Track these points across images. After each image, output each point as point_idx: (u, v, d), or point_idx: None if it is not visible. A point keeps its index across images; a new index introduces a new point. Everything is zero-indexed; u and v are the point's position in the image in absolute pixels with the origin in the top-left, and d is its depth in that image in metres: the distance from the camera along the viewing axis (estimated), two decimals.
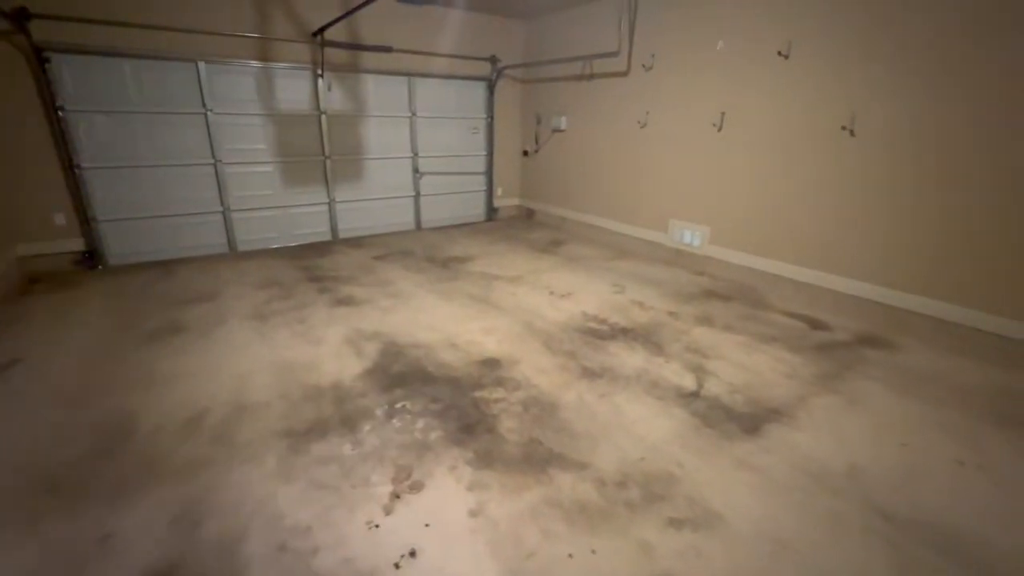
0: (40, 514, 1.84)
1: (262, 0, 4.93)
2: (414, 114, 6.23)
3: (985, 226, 3.13)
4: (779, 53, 3.98)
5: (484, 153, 7.04)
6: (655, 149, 5.25)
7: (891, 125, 3.46)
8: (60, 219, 4.55)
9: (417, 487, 1.97)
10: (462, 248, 5.70)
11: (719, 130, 4.57)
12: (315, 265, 4.95)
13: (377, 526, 1.79)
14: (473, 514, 1.85)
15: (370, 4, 4.25)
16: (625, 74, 5.35)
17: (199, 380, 2.77)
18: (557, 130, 6.51)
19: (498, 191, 7.34)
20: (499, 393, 2.66)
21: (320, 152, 5.68)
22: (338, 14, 4.77)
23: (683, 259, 5.14)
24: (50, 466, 2.09)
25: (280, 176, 5.52)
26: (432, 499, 1.92)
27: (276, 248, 5.60)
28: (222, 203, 5.23)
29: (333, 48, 5.34)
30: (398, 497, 1.92)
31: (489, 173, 7.15)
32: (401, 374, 2.84)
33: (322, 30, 4.94)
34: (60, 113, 4.29)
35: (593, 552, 1.69)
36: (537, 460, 2.14)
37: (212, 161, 5.07)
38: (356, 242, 5.94)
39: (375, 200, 6.27)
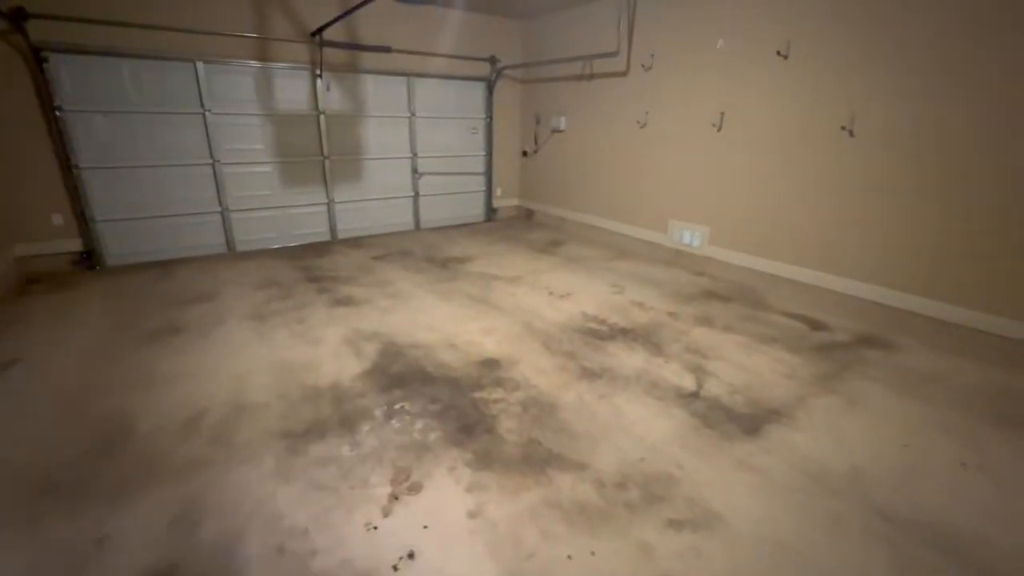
0: (39, 515, 1.83)
1: (260, 0, 4.92)
2: (413, 114, 6.22)
3: (985, 226, 3.13)
4: (778, 53, 3.98)
5: (483, 153, 7.03)
6: (654, 149, 5.24)
7: (891, 125, 3.46)
8: (58, 219, 4.54)
9: (416, 488, 1.97)
10: (461, 248, 5.70)
11: (719, 130, 4.57)
12: (314, 265, 4.95)
13: (375, 528, 1.78)
14: (472, 515, 1.84)
15: (369, 4, 4.24)
16: (624, 74, 5.35)
17: (198, 380, 2.76)
18: (556, 130, 6.50)
19: (497, 191, 7.33)
20: (498, 394, 2.65)
21: (319, 152, 5.68)
22: (337, 14, 4.76)
23: (683, 259, 5.14)
24: (49, 466, 2.08)
25: (279, 176, 5.51)
26: (431, 500, 1.91)
27: (275, 248, 5.60)
28: (220, 203, 5.22)
29: (332, 48, 5.33)
30: (397, 498, 1.91)
31: (488, 173, 7.14)
32: (400, 374, 2.84)
33: (321, 30, 4.94)
34: (58, 113, 4.28)
35: (593, 553, 1.68)
36: (536, 461, 2.13)
37: (210, 161, 5.06)
38: (355, 242, 5.93)
39: (374, 200, 6.26)
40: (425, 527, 1.78)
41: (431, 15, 5.96)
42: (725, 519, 1.84)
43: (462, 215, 7.12)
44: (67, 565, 1.63)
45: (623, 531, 1.78)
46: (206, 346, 3.18)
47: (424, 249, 5.64)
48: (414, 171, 6.46)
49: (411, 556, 1.67)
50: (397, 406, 2.53)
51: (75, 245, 4.66)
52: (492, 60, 6.59)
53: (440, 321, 3.58)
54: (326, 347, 3.17)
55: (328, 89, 5.53)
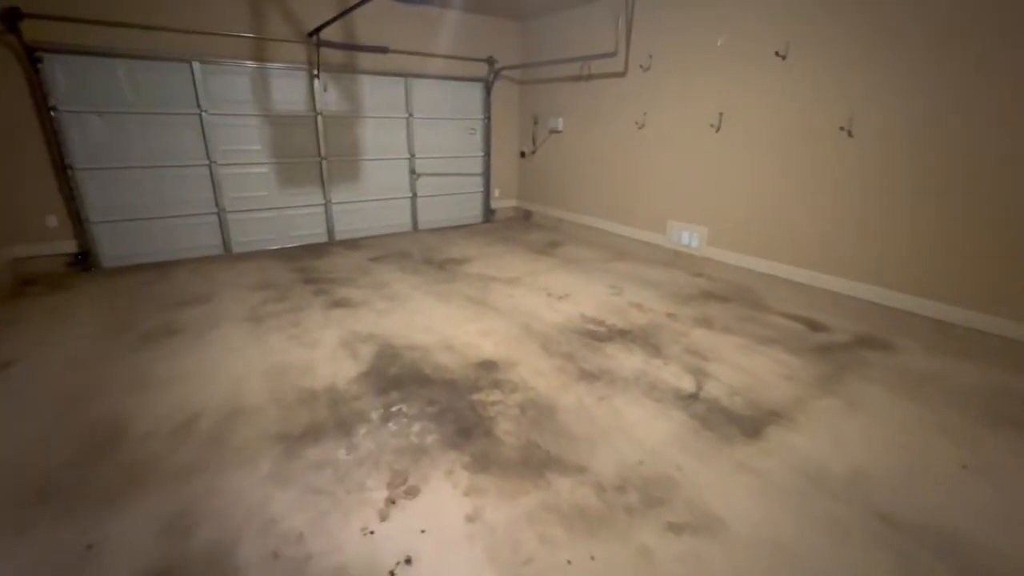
0: (29, 519, 1.80)
1: (257, 0, 4.90)
2: (411, 115, 6.20)
3: (983, 227, 3.13)
4: (777, 54, 3.97)
5: (481, 154, 7.02)
6: (653, 150, 5.23)
7: (890, 126, 3.45)
8: (52, 221, 4.51)
9: (413, 492, 1.94)
10: (459, 250, 5.68)
11: (717, 131, 4.56)
12: (311, 267, 4.92)
13: (372, 532, 1.76)
14: (470, 519, 1.82)
15: (366, 4, 4.23)
16: (623, 75, 5.34)
17: (193, 383, 2.74)
18: (554, 131, 6.49)
19: (495, 192, 7.31)
20: (496, 396, 2.63)
21: (316, 153, 5.65)
22: (334, 14, 4.74)
23: (681, 260, 5.13)
24: (41, 470, 2.05)
25: (276, 177, 5.48)
26: (428, 504, 1.89)
27: (272, 250, 5.57)
28: (217, 204, 5.19)
29: (329, 48, 5.31)
30: (393, 502, 1.89)
31: (486, 174, 7.13)
32: (397, 377, 2.81)
33: (318, 30, 4.92)
34: (53, 114, 4.25)
35: (592, 558, 1.66)
36: (535, 464, 2.11)
37: (207, 162, 5.03)
38: (352, 244, 5.91)
39: (372, 201, 6.24)
40: (422, 532, 1.76)
41: (428, 15, 5.94)
42: (725, 522, 1.82)
43: (460, 216, 7.10)
44: (56, 571, 1.60)
45: (623, 535, 1.76)
46: (202, 348, 3.15)
47: (422, 250, 5.62)
48: (412, 172, 6.44)
49: (408, 561, 1.64)
50: (394, 409, 2.50)
51: (70, 247, 4.63)
52: (490, 61, 6.57)
53: (438, 323, 3.56)
54: (322, 349, 3.14)
55: (325, 90, 5.51)
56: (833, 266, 3.92)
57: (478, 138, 6.92)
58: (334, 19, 4.68)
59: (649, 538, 1.75)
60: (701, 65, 4.57)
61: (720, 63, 4.41)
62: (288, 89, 5.31)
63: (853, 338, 3.44)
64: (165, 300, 3.96)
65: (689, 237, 5.00)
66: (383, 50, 5.62)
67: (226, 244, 5.35)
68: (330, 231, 5.99)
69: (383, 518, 1.82)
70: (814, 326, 3.63)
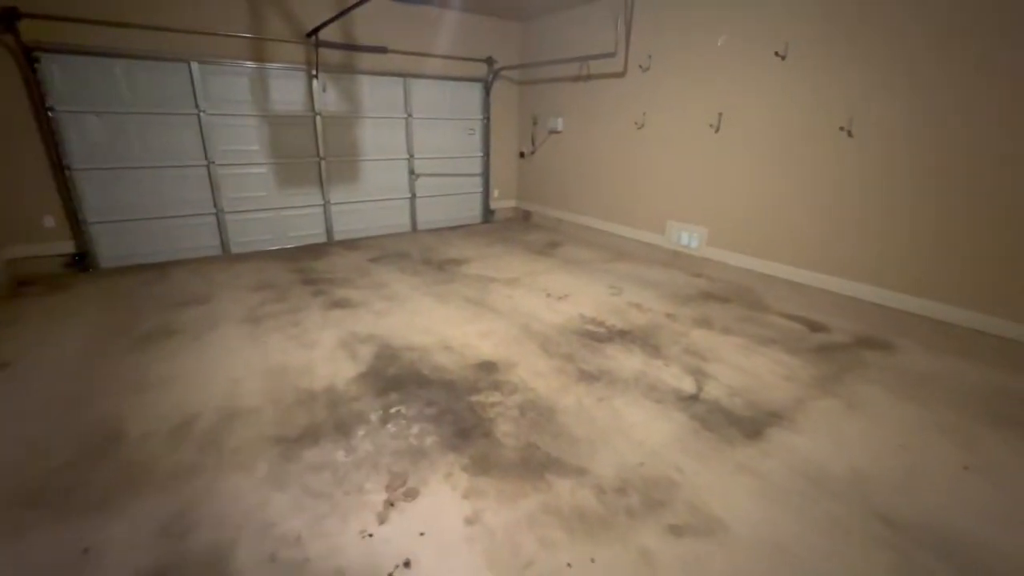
0: (23, 522, 1.78)
1: (255, 0, 4.89)
2: (410, 115, 6.19)
3: (983, 227, 3.12)
4: (776, 54, 3.97)
5: (480, 155, 7.01)
6: (652, 150, 5.23)
7: (889, 126, 3.45)
8: (49, 221, 4.49)
9: (412, 494, 1.93)
10: (458, 250, 5.67)
11: (716, 131, 4.55)
12: (310, 267, 4.90)
13: (371, 535, 1.74)
14: (469, 522, 1.81)
15: (365, 4, 4.21)
16: (622, 75, 5.33)
17: (191, 384, 2.72)
18: (553, 131, 6.48)
19: (494, 193, 7.30)
20: (495, 397, 2.62)
21: (315, 153, 5.64)
22: (332, 14, 4.73)
23: (681, 261, 5.12)
24: (36, 473, 2.04)
25: (274, 178, 5.47)
26: (427, 507, 1.87)
27: (271, 250, 5.55)
28: (215, 205, 5.18)
29: (328, 49, 5.30)
30: (392, 505, 1.88)
31: (485, 175, 7.12)
32: (396, 378, 2.80)
33: (316, 30, 4.90)
34: (50, 114, 4.24)
35: (592, 561, 1.65)
36: (534, 466, 2.10)
37: (205, 162, 5.01)
38: (351, 244, 5.89)
39: (370, 202, 6.22)
40: (421, 534, 1.75)
41: (427, 16, 5.93)
42: (725, 523, 1.81)
43: (459, 217, 7.09)
44: (53, 575, 1.59)
45: (623, 537, 1.75)
46: (200, 349, 3.14)
47: (421, 251, 5.61)
48: (411, 172, 6.43)
49: (407, 565, 1.63)
50: (393, 410, 2.49)
51: (68, 247, 4.61)
52: (489, 61, 6.56)
53: (436, 324, 3.55)
54: (321, 350, 3.13)
55: (324, 90, 5.50)
56: (833, 266, 3.91)
57: (477, 138, 6.91)
58: (333, 19, 4.67)
59: (650, 540, 1.74)
60: (700, 65, 4.57)
61: (719, 63, 4.41)
62: (287, 89, 5.30)
63: (853, 338, 3.44)
64: (163, 301, 3.94)
65: (688, 237, 4.99)
66: (382, 50, 5.61)
67: (224, 245, 5.33)
68: (329, 231, 5.98)
69: (382, 521, 1.81)
70: (814, 326, 3.62)
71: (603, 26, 5.34)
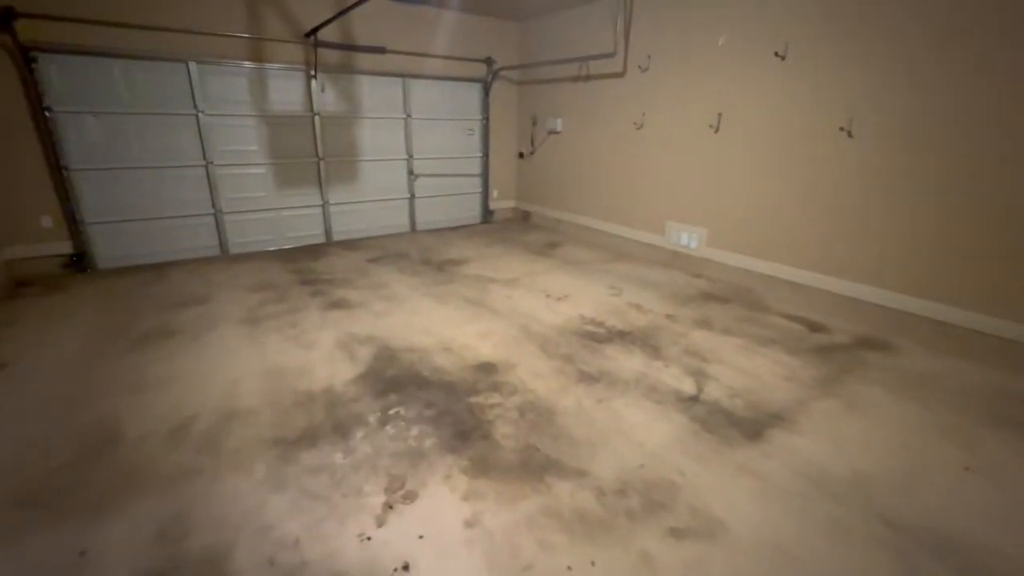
0: (19, 525, 1.77)
1: (254, 0, 4.87)
2: (409, 116, 6.18)
3: (983, 227, 3.12)
4: (776, 54, 3.96)
5: (479, 155, 7.00)
6: (652, 151, 5.22)
7: (890, 126, 3.44)
8: (47, 222, 4.47)
9: (411, 497, 1.92)
10: (457, 251, 5.66)
11: (716, 131, 4.55)
12: (308, 268, 4.89)
13: (369, 538, 1.73)
14: (468, 525, 1.80)
15: (363, 4, 4.20)
16: (621, 75, 5.33)
17: (189, 385, 2.71)
18: (553, 132, 6.48)
19: (494, 193, 7.29)
20: (495, 398, 2.61)
21: (314, 154, 5.63)
22: (331, 14, 4.72)
23: (680, 261, 5.11)
24: (32, 475, 2.02)
25: (273, 178, 5.45)
26: (426, 509, 1.86)
27: (269, 251, 5.54)
28: (214, 205, 5.16)
29: (326, 49, 5.29)
30: (391, 508, 1.87)
31: (485, 175, 7.11)
32: (395, 379, 2.79)
33: (315, 30, 4.89)
34: (47, 114, 4.22)
35: (592, 564, 1.64)
36: (534, 468, 2.09)
37: (204, 163, 5.00)
38: (350, 244, 5.88)
39: (369, 202, 6.21)
40: (420, 537, 1.74)
41: (426, 16, 5.92)
42: (726, 525, 1.80)
43: (458, 217, 7.08)
44: None
45: (624, 540, 1.74)
46: (198, 350, 3.12)
47: (420, 251, 5.59)
48: (410, 173, 6.42)
49: (406, 568, 1.62)
50: (391, 411, 2.48)
51: (66, 247, 4.59)
52: (488, 61, 6.55)
53: (436, 324, 3.54)
54: (319, 351, 3.11)
55: (323, 90, 5.49)
56: (833, 266, 3.90)
57: (476, 139, 6.90)
58: (331, 19, 4.65)
59: (650, 543, 1.73)
60: (700, 66, 4.56)
61: (719, 63, 4.40)
62: (285, 89, 5.29)
63: (853, 339, 3.43)
64: (161, 301, 3.93)
65: (688, 238, 4.98)
66: (381, 50, 5.60)
67: (223, 245, 5.32)
68: (328, 232, 5.96)
69: (380, 524, 1.79)
70: (814, 327, 3.62)
71: (602, 26, 5.34)
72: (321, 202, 5.83)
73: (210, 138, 4.96)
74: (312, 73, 5.32)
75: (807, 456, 2.20)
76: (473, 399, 2.60)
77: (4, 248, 4.31)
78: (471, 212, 7.20)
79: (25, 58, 4.05)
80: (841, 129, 3.67)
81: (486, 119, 6.84)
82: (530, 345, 3.24)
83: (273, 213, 5.55)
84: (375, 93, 5.87)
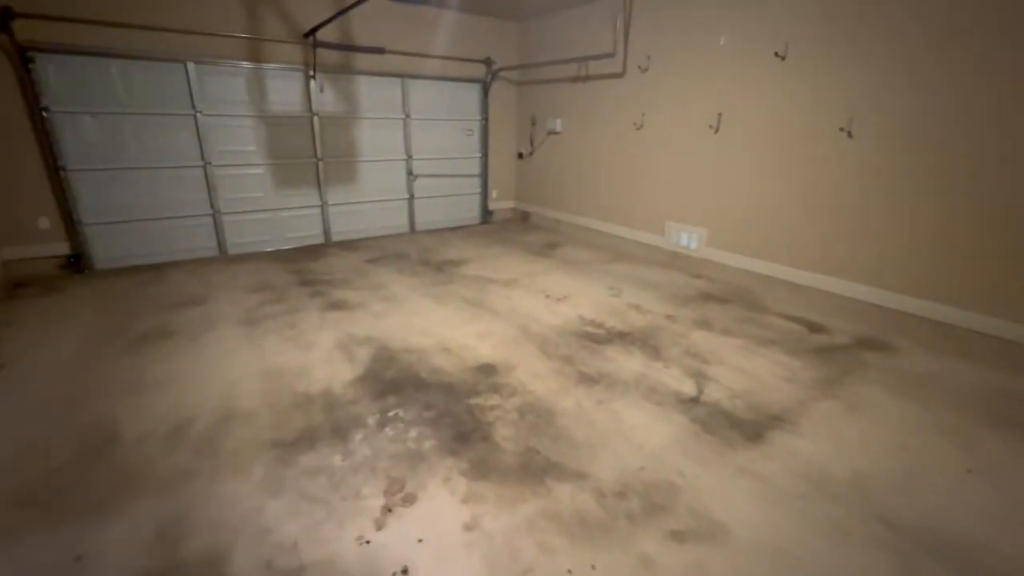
0: (14, 528, 1.76)
1: (252, 0, 4.86)
2: (408, 116, 6.16)
3: (983, 227, 3.11)
4: (776, 54, 3.96)
5: (479, 155, 6.99)
6: (651, 151, 5.21)
7: (890, 126, 3.44)
8: (44, 223, 4.46)
9: (410, 500, 1.91)
10: (457, 251, 5.65)
11: (716, 132, 4.54)
12: (307, 268, 4.88)
13: (368, 542, 1.72)
14: (468, 528, 1.79)
15: (362, 4, 4.19)
16: (621, 76, 5.32)
17: (186, 387, 2.70)
18: (552, 132, 6.47)
19: (493, 194, 7.28)
20: (494, 400, 2.60)
21: (312, 154, 5.61)
22: (330, 14, 4.71)
23: (680, 262, 5.11)
24: (31, 475, 2.01)
25: (272, 178, 5.44)
26: (425, 512, 1.85)
27: (268, 251, 5.52)
28: (212, 206, 5.15)
29: (325, 49, 5.28)
30: (390, 510, 1.86)
31: (484, 175, 7.10)
32: (394, 380, 2.78)
33: (314, 31, 4.88)
34: (45, 114, 4.20)
35: (593, 567, 1.63)
36: (534, 470, 2.08)
37: (202, 163, 4.98)
38: (349, 245, 5.87)
39: (368, 203, 6.20)
40: (420, 540, 1.73)
41: (425, 16, 5.91)
42: (727, 527, 1.80)
43: (457, 217, 7.07)
44: None
45: (624, 543, 1.73)
46: (196, 351, 3.11)
47: (419, 252, 5.58)
48: (409, 173, 6.41)
49: (405, 571, 1.61)
50: (390, 413, 2.47)
51: (63, 248, 4.58)
52: (487, 61, 6.54)
53: (435, 325, 3.53)
54: (318, 352, 3.10)
55: (322, 90, 5.48)
56: (832, 267, 3.90)
57: (476, 139, 6.89)
58: (330, 19, 4.64)
59: (651, 546, 1.72)
60: (700, 66, 4.55)
61: (719, 64, 4.39)
62: (284, 90, 5.27)
63: (853, 339, 3.42)
64: (159, 302, 3.92)
65: (688, 238, 4.98)
66: (380, 51, 5.59)
67: (221, 246, 5.30)
68: (326, 232, 5.95)
69: (379, 527, 1.78)
70: (813, 327, 3.61)
71: (602, 26, 5.33)
72: (320, 202, 5.81)
73: (208, 138, 4.94)
74: (311, 73, 5.31)
75: (808, 457, 2.19)
76: (472, 400, 2.59)
77: (1, 249, 4.30)
78: (470, 212, 7.19)
79: (22, 58, 4.04)
80: (841, 129, 3.67)
81: (485, 119, 6.83)
82: (529, 346, 3.23)
83: (272, 214, 5.53)
84: (374, 93, 5.86)
